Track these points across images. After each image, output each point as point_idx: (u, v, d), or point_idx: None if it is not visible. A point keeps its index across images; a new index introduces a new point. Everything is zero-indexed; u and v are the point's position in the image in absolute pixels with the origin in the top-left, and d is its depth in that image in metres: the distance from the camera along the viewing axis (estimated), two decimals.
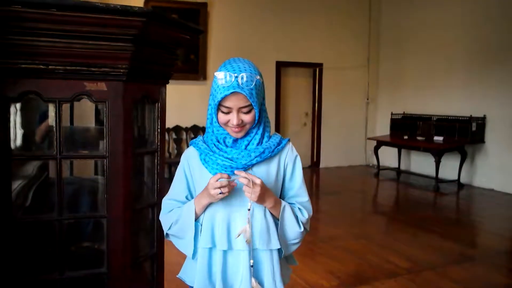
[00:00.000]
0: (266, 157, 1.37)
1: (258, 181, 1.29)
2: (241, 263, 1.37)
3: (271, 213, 1.40)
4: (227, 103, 1.30)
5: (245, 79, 1.28)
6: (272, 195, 1.36)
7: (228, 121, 1.32)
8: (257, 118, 1.35)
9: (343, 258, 3.77)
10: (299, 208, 1.44)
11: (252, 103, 1.30)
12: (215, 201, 1.34)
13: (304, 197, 1.46)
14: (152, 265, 1.81)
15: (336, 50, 8.43)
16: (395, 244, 4.16)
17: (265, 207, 1.37)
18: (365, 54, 8.74)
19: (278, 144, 1.41)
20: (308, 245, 3.98)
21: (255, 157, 1.35)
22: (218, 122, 1.36)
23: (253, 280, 1.36)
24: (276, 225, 1.40)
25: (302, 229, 1.41)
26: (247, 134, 1.38)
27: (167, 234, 1.47)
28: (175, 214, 1.43)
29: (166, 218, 1.46)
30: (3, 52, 1.34)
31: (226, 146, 1.38)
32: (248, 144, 1.38)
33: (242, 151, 1.36)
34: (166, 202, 1.49)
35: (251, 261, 1.37)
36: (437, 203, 6.23)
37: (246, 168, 1.36)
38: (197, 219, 1.39)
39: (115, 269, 1.56)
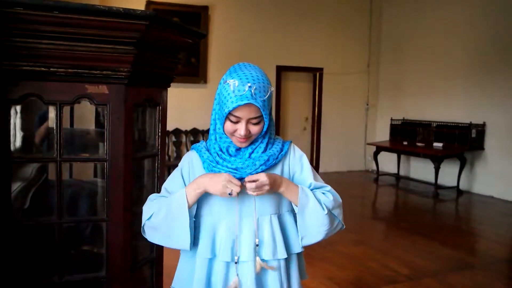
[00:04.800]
0: (271, 165, 1.33)
1: (261, 177, 1.26)
2: (245, 275, 1.31)
3: (279, 221, 1.36)
4: (238, 113, 1.23)
5: (259, 89, 1.22)
6: (280, 181, 1.31)
7: (235, 131, 1.26)
8: (265, 129, 1.30)
9: (342, 264, 3.76)
10: (322, 193, 1.37)
11: (264, 115, 1.26)
12: (215, 194, 1.27)
13: (326, 187, 1.41)
14: (151, 269, 1.80)
15: (337, 55, 8.45)
16: (395, 251, 4.15)
17: (271, 215, 1.34)
18: (365, 59, 8.76)
19: (281, 149, 1.36)
20: (307, 250, 3.91)
21: (260, 166, 1.30)
22: (223, 130, 1.30)
23: (257, 259, 1.31)
24: (284, 233, 1.36)
25: (326, 211, 1.34)
26: (251, 142, 1.32)
27: (143, 226, 1.35)
28: (158, 203, 1.33)
29: (146, 208, 1.35)
30: (4, 54, 1.33)
31: (230, 155, 1.32)
32: (252, 152, 1.32)
33: (246, 160, 1.31)
34: (153, 196, 1.40)
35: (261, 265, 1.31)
36: (436, 210, 6.22)
37: None
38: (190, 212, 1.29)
39: (114, 273, 1.55)
